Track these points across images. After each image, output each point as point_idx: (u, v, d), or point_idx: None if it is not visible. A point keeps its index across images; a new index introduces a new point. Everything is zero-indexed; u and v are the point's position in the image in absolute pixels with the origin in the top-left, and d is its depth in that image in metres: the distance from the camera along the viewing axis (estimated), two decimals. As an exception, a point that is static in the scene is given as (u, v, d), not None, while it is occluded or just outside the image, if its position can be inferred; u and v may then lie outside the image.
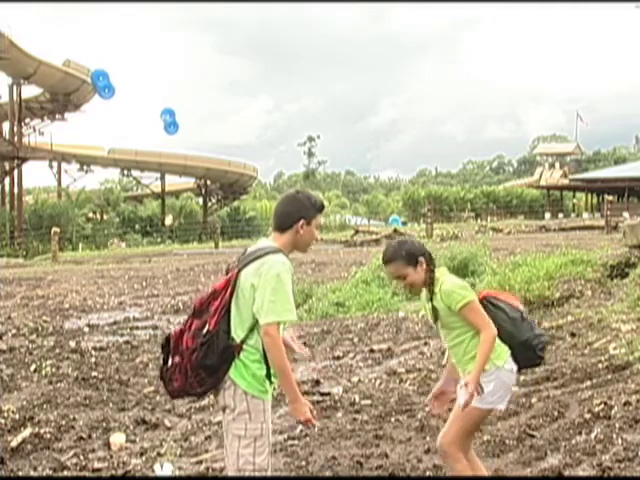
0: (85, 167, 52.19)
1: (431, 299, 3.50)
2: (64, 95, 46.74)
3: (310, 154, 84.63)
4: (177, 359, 3.08)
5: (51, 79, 44.67)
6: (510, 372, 3.51)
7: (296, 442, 5.11)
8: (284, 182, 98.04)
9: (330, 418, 5.68)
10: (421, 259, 3.48)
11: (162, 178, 55.05)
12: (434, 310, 3.49)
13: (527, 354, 3.52)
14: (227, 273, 3.19)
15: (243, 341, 3.06)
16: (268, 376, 3.10)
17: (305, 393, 6.36)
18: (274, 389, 3.30)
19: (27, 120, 48.09)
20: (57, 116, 48.88)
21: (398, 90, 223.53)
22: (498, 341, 3.46)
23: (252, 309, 3.04)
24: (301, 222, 3.15)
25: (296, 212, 3.17)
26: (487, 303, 3.53)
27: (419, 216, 50.17)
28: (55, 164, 50.76)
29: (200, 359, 3.02)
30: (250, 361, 3.07)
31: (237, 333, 3.07)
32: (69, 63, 45.69)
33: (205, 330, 3.04)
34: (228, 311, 3.07)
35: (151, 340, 9.44)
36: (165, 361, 3.15)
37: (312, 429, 5.35)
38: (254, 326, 3.06)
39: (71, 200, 48.63)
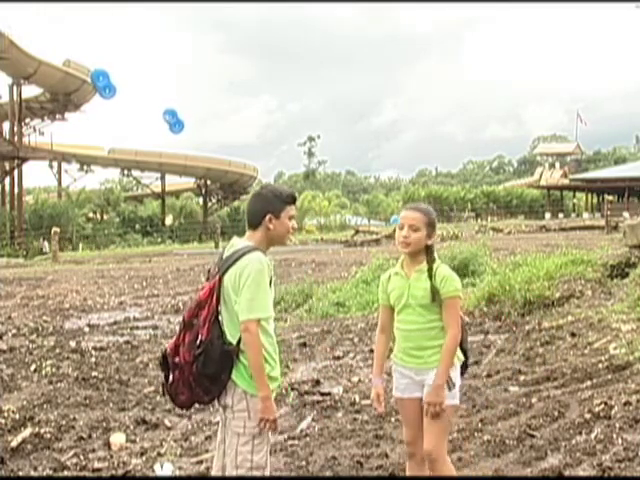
0: (85, 167, 52.24)
1: (430, 277, 3.46)
2: (64, 95, 46.80)
3: (310, 154, 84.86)
4: (177, 374, 3.14)
5: (51, 79, 44.72)
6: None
7: (296, 442, 5.11)
8: (284, 182, 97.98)
9: (330, 418, 5.68)
10: (434, 234, 3.54)
11: (162, 178, 55.10)
12: (420, 290, 3.46)
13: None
14: (208, 279, 3.23)
15: (239, 343, 3.11)
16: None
17: (305, 393, 6.38)
18: (278, 387, 3.34)
19: (27, 120, 48.15)
20: (57, 116, 48.95)
21: (398, 90, 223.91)
22: None
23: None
24: (268, 217, 3.19)
25: (261, 209, 3.22)
26: None
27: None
28: (55, 164, 50.82)
29: (201, 369, 3.08)
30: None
31: (232, 336, 3.12)
32: (69, 63, 45.72)
33: (199, 341, 3.09)
34: (217, 318, 3.13)
35: (151, 340, 9.44)
36: (167, 378, 3.20)
37: (312, 429, 5.37)
38: None
39: (71, 200, 48.70)
